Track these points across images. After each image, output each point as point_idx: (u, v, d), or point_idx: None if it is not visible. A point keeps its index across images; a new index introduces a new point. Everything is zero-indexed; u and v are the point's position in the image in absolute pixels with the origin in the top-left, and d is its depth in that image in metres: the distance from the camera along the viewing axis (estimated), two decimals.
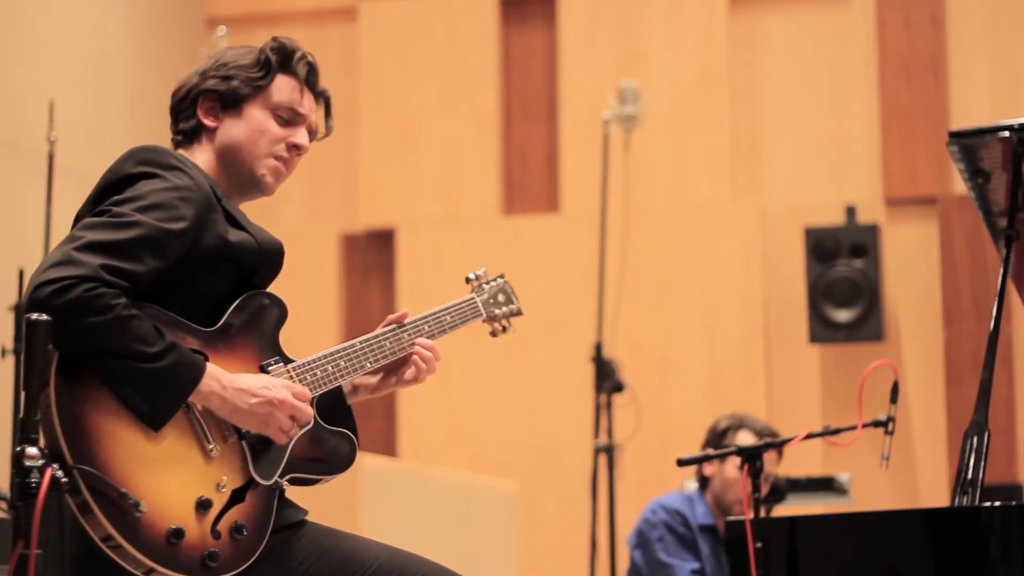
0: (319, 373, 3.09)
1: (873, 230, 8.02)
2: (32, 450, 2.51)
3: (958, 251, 7.97)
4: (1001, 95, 8.04)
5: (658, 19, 8.48)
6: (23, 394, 2.57)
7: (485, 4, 8.65)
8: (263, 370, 3.01)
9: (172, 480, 2.81)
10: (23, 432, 2.53)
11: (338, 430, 3.12)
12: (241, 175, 3.13)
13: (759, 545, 3.47)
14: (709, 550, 5.39)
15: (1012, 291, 3.75)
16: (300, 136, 3.15)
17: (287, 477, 3.02)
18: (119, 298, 2.77)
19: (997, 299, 3.46)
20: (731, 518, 3.62)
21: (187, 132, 3.14)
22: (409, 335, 3.27)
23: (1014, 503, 3.20)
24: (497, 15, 8.66)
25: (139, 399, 2.78)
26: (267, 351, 3.04)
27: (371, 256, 8.75)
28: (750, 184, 8.36)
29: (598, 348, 6.83)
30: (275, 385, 2.95)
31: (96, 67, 7.73)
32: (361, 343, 3.20)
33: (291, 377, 3.04)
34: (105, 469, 2.72)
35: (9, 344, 5.29)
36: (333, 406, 3.18)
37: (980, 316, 7.88)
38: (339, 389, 3.20)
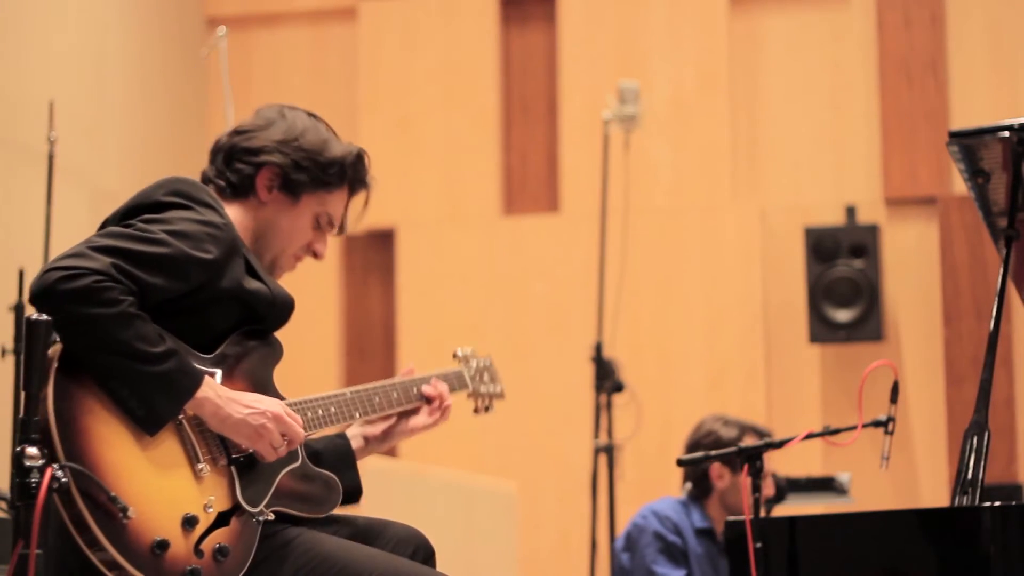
0: (309, 415, 3.11)
1: (873, 230, 8.02)
2: (32, 450, 2.51)
3: (958, 251, 7.96)
4: (1001, 95, 8.03)
5: (658, 19, 8.48)
6: (23, 394, 2.57)
7: (485, 4, 8.65)
8: None
9: (161, 492, 2.80)
10: (23, 432, 2.53)
11: (325, 472, 3.13)
12: (264, 254, 3.16)
13: (759, 545, 3.47)
14: (703, 553, 5.38)
15: (1012, 291, 3.74)
16: (322, 244, 3.25)
17: (272, 509, 2.99)
18: (127, 295, 2.76)
19: (997, 299, 3.46)
20: (731, 518, 3.62)
21: (234, 185, 3.15)
22: (399, 394, 3.32)
23: (1014, 503, 3.20)
24: (497, 15, 8.65)
25: (135, 401, 2.78)
26: (259, 388, 3.03)
27: (371, 256, 8.74)
28: (750, 184, 8.36)
29: (598, 348, 6.82)
30: (269, 401, 2.95)
31: (96, 67, 7.73)
32: (351, 393, 3.23)
33: None
34: (97, 472, 2.71)
35: (9, 344, 5.28)
36: (337, 456, 3.23)
37: (980, 316, 7.87)
38: (346, 442, 3.25)
